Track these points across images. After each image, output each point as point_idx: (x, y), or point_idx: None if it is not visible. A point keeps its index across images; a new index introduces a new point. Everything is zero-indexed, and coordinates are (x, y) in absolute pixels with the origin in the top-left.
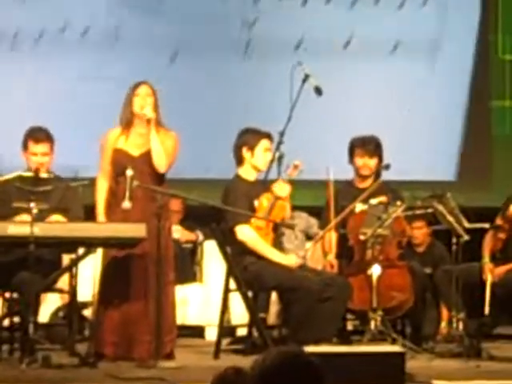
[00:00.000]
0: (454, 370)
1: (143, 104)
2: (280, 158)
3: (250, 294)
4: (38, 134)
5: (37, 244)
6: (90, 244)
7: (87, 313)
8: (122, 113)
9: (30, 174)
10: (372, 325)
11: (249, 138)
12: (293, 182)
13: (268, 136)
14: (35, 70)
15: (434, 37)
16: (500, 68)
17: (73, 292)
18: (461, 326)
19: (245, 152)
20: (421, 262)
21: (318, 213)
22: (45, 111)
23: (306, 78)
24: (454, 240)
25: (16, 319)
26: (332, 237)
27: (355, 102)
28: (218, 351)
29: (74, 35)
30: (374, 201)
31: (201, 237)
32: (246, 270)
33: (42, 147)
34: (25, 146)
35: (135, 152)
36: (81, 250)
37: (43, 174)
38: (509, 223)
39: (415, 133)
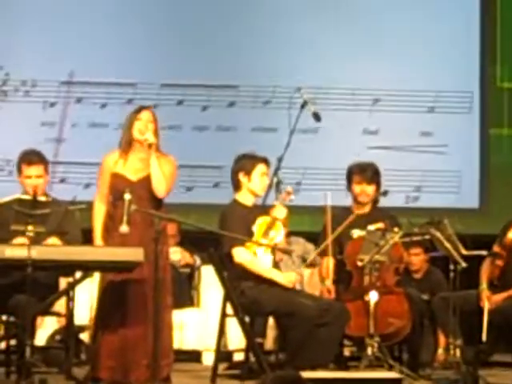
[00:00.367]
0: None
1: (144, 129)
2: (278, 183)
3: (247, 319)
4: (30, 157)
5: (34, 267)
6: (88, 268)
7: (84, 336)
8: (121, 136)
9: (28, 197)
10: (369, 351)
11: (245, 163)
12: (290, 208)
13: (264, 160)
14: None
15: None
16: (498, 96)
17: (70, 315)
18: (458, 352)
19: (241, 177)
20: (418, 289)
21: (315, 238)
22: None
23: (305, 103)
24: (452, 267)
25: (13, 342)
26: (329, 262)
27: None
28: (214, 376)
29: None
30: (371, 227)
31: (198, 261)
32: (243, 295)
33: (35, 169)
34: (19, 170)
35: (133, 177)
36: (78, 274)
37: (41, 198)
38: (506, 250)
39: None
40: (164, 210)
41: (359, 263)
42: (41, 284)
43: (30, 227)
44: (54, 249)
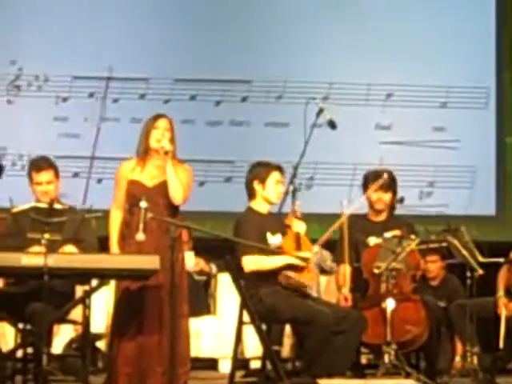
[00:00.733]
0: None
1: (160, 138)
2: (294, 191)
3: (263, 326)
4: (39, 163)
5: (50, 275)
6: (104, 276)
7: (101, 344)
8: (138, 144)
9: (44, 205)
10: (386, 358)
11: (259, 171)
12: (304, 217)
13: (279, 168)
14: None
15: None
16: None
17: (86, 323)
18: (475, 360)
19: (256, 185)
20: (435, 296)
21: (332, 246)
22: None
23: (320, 111)
24: (469, 274)
25: (29, 350)
26: (346, 270)
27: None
28: None
29: None
30: (388, 234)
31: (214, 269)
32: (261, 303)
33: (45, 175)
34: (30, 178)
35: (149, 183)
36: (94, 282)
37: (57, 206)
38: None
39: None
40: (179, 217)
41: (376, 271)
42: (57, 292)
43: (46, 235)
44: (70, 257)
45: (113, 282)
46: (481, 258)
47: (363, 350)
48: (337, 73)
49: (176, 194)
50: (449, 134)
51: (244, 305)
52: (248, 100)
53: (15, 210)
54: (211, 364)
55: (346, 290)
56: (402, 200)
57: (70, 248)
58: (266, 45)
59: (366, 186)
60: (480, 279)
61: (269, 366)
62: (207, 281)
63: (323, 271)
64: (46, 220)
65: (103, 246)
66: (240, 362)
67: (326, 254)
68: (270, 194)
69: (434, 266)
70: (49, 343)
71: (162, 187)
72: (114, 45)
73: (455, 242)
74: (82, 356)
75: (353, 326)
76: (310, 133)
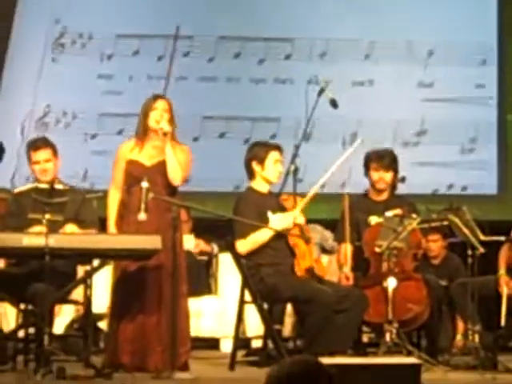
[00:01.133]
0: (469, 383)
1: (159, 118)
2: (295, 170)
3: (265, 305)
4: (36, 142)
5: (52, 255)
6: (105, 256)
7: (102, 324)
8: (137, 125)
9: (45, 185)
10: (387, 337)
11: (258, 151)
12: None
13: (277, 147)
14: None
15: None
16: None
17: (88, 303)
18: (477, 338)
19: (255, 165)
20: (436, 275)
21: (333, 226)
22: None
23: (322, 90)
24: (470, 252)
25: (31, 330)
26: (347, 249)
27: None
28: (233, 363)
29: None
30: (389, 213)
31: (216, 249)
32: (262, 282)
33: (42, 154)
34: (28, 158)
35: (148, 162)
36: (96, 262)
37: (58, 186)
38: None
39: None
40: (179, 196)
41: (377, 249)
42: (59, 272)
43: (47, 215)
44: (71, 237)
45: (105, 269)
46: (482, 237)
47: (365, 328)
48: (378, 30)
49: (175, 175)
50: (489, 91)
51: (245, 284)
52: (291, 58)
53: (16, 190)
54: (213, 343)
55: (347, 269)
56: (403, 179)
57: (71, 228)
58: (308, 2)
59: (367, 165)
60: (481, 258)
61: (270, 345)
62: (208, 261)
63: (324, 250)
64: (47, 200)
65: (104, 227)
66: (241, 342)
67: (328, 234)
68: (269, 174)
69: (436, 245)
70: (50, 323)
71: (161, 166)
72: (158, 2)
73: (456, 220)
74: (84, 336)
75: (354, 305)
76: (312, 111)
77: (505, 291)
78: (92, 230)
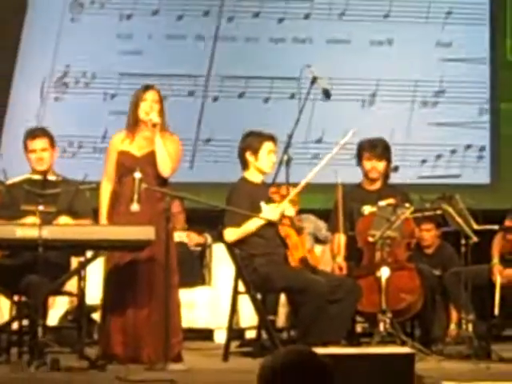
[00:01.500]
0: (463, 372)
1: (149, 110)
2: (288, 160)
3: (258, 296)
4: (34, 131)
5: (45, 247)
6: (99, 247)
7: (96, 316)
8: (128, 116)
9: (38, 176)
10: (381, 327)
11: (252, 141)
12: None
13: (271, 138)
14: None
15: None
16: (508, 70)
17: (81, 295)
18: (470, 327)
19: (249, 156)
20: (430, 264)
21: (326, 216)
22: None
23: (315, 80)
24: (463, 242)
25: (25, 322)
26: (341, 239)
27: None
28: (226, 354)
29: None
30: (382, 203)
31: (209, 239)
32: (255, 272)
33: (39, 142)
34: (25, 147)
35: (138, 153)
36: (89, 253)
37: (51, 177)
38: None
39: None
40: (170, 187)
41: (370, 239)
42: (52, 264)
43: (40, 207)
44: (64, 228)
45: (101, 259)
46: (475, 226)
47: (358, 318)
48: None
49: (164, 166)
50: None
51: (239, 275)
52: (310, 17)
53: (9, 182)
54: (206, 334)
55: (340, 259)
56: (396, 169)
57: (64, 219)
58: None
59: (360, 155)
60: (475, 247)
61: (264, 335)
62: (202, 251)
63: (318, 240)
64: (40, 192)
65: (97, 218)
66: (235, 332)
67: (321, 224)
68: (262, 165)
69: (429, 235)
70: (44, 315)
71: (151, 157)
72: None
73: (450, 209)
74: (78, 328)
75: (348, 295)
76: (304, 104)
77: (498, 280)
78: (86, 220)
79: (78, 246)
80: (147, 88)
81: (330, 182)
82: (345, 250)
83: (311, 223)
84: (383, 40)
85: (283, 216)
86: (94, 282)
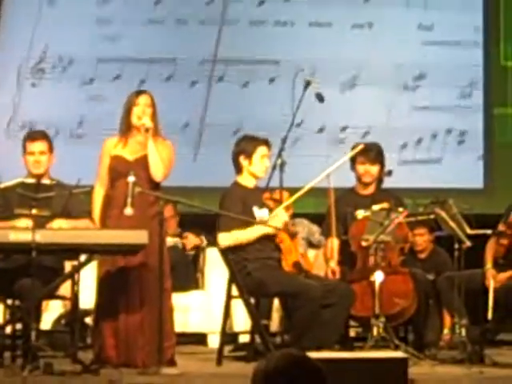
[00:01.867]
0: (456, 377)
1: (141, 114)
2: (282, 164)
3: (252, 300)
4: (33, 134)
5: (38, 251)
6: (92, 251)
7: (89, 320)
8: (120, 121)
9: (32, 180)
10: (374, 331)
11: (246, 145)
12: (294, 190)
13: (265, 142)
14: None
15: None
16: (502, 75)
17: (75, 299)
18: (463, 332)
19: (242, 160)
20: (423, 269)
21: (319, 220)
22: None
23: (308, 84)
24: (457, 246)
25: (18, 326)
26: (334, 243)
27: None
28: (220, 358)
29: None
30: (376, 207)
31: (205, 241)
32: (249, 277)
33: (38, 145)
34: (23, 149)
35: (131, 157)
36: (83, 257)
37: (45, 181)
38: (511, 229)
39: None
40: (162, 191)
41: (364, 243)
42: (46, 268)
43: (33, 210)
44: (58, 232)
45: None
46: (469, 230)
47: (352, 322)
48: None
49: (156, 171)
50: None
51: (232, 279)
52: (291, 0)
53: (2, 185)
54: (200, 339)
55: (333, 264)
56: (390, 173)
57: (59, 222)
58: None
59: (354, 159)
60: (468, 251)
61: (258, 339)
62: (195, 255)
63: (311, 245)
64: (34, 195)
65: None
66: (229, 337)
67: (314, 228)
68: (256, 169)
69: (422, 240)
70: (37, 319)
71: (143, 161)
72: None
73: (443, 214)
74: (71, 332)
75: (341, 299)
76: (298, 106)
77: (491, 285)
78: (82, 220)
79: (72, 250)
80: (140, 93)
81: (323, 186)
82: (338, 254)
83: (305, 227)
84: (364, 23)
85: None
86: (88, 286)
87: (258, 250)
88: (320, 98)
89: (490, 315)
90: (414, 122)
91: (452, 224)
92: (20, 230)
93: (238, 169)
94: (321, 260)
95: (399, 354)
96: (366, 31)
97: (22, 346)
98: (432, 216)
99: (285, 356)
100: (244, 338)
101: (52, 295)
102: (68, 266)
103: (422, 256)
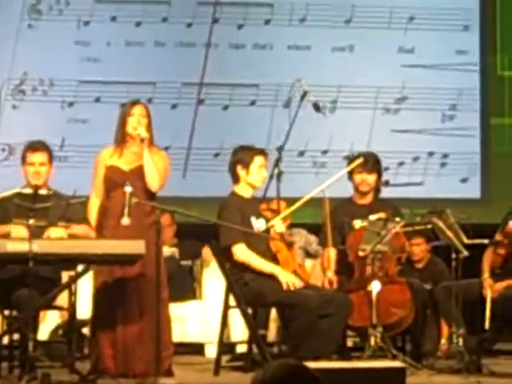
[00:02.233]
0: None
1: (136, 125)
2: (279, 174)
3: (249, 310)
4: (35, 144)
5: (36, 261)
6: (89, 261)
7: (87, 330)
8: (116, 131)
9: (29, 190)
10: (372, 341)
11: (243, 155)
12: (292, 200)
13: (262, 152)
14: None
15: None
16: (499, 85)
17: (72, 309)
18: (461, 342)
19: (240, 170)
20: (420, 279)
21: (317, 230)
22: None
23: (305, 94)
24: (454, 256)
25: (15, 337)
26: (331, 253)
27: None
28: (217, 368)
29: None
30: (373, 217)
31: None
32: (246, 287)
33: (39, 156)
34: (23, 159)
35: (126, 167)
36: (80, 267)
37: (42, 191)
38: (508, 239)
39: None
40: (158, 201)
41: (361, 253)
42: (43, 278)
43: (31, 221)
44: (55, 242)
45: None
46: (466, 240)
47: (349, 332)
48: None
49: (152, 181)
50: (471, 58)
51: (230, 289)
52: (271, 23)
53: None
54: (197, 349)
55: (331, 273)
56: (387, 183)
57: (55, 231)
58: None
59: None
60: (465, 261)
61: (255, 349)
62: (192, 265)
63: (308, 255)
64: (31, 206)
65: None
66: (226, 347)
67: (312, 238)
68: (253, 179)
69: (419, 249)
70: (35, 329)
71: (139, 171)
72: None
73: (440, 223)
74: (68, 342)
75: (338, 309)
76: (294, 117)
77: (489, 294)
78: (81, 225)
79: (69, 260)
80: (134, 103)
81: (320, 196)
82: (335, 264)
83: (302, 237)
84: (345, 46)
85: (274, 231)
86: (85, 296)
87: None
88: (317, 107)
89: (487, 325)
90: (395, 146)
91: (449, 234)
92: (17, 241)
93: (236, 179)
94: (318, 270)
95: (397, 364)
96: (347, 54)
97: (19, 356)
98: (429, 226)
99: (282, 366)
100: (241, 348)
101: (49, 305)
102: (65, 276)
103: (419, 266)
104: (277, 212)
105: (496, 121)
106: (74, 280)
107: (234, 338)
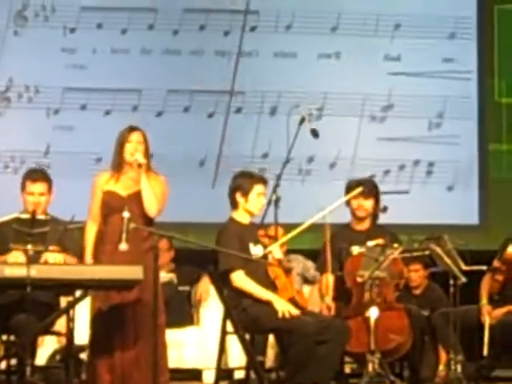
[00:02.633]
0: None
1: (133, 151)
2: (277, 200)
3: (247, 336)
4: (35, 174)
5: (33, 286)
6: (88, 286)
7: (84, 356)
8: (113, 157)
9: (27, 215)
10: (370, 367)
11: (242, 182)
12: (289, 226)
13: (262, 180)
14: None
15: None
16: (497, 111)
17: (70, 335)
18: (459, 368)
19: (239, 197)
20: (418, 305)
21: (314, 256)
22: None
23: (303, 120)
24: (452, 282)
25: (13, 362)
26: (329, 279)
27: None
28: None
29: None
30: (371, 243)
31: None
32: (244, 312)
33: (38, 187)
34: (22, 187)
35: (124, 193)
36: (78, 293)
37: (40, 216)
38: (506, 265)
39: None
40: (155, 227)
41: (359, 279)
42: (41, 303)
43: (29, 246)
44: (53, 267)
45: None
46: (464, 266)
47: (347, 359)
48: (345, 3)
49: (150, 207)
50: (458, 65)
51: (227, 315)
52: (256, 30)
53: None
54: (195, 375)
55: (328, 299)
56: (385, 209)
57: (53, 256)
58: None
59: (348, 194)
60: (463, 287)
61: (253, 376)
62: (190, 291)
63: (306, 281)
64: (29, 231)
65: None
66: (224, 373)
67: (309, 264)
68: (252, 207)
69: (417, 275)
70: (32, 354)
71: (137, 196)
72: None
73: (438, 250)
74: (66, 367)
75: (336, 336)
76: (293, 143)
77: (487, 321)
78: (73, 258)
79: (67, 286)
80: (132, 129)
81: (318, 221)
82: (333, 290)
83: (299, 263)
84: (331, 53)
85: (272, 257)
86: (83, 321)
87: None
88: (315, 134)
89: (485, 351)
90: (381, 153)
91: (447, 260)
92: (15, 266)
93: (234, 205)
94: (316, 296)
95: None
96: (333, 61)
97: (16, 381)
98: (427, 252)
99: None
100: (239, 374)
101: (47, 331)
102: (63, 301)
103: (417, 292)
104: (274, 238)
105: (493, 147)
106: (72, 305)
107: (231, 364)
